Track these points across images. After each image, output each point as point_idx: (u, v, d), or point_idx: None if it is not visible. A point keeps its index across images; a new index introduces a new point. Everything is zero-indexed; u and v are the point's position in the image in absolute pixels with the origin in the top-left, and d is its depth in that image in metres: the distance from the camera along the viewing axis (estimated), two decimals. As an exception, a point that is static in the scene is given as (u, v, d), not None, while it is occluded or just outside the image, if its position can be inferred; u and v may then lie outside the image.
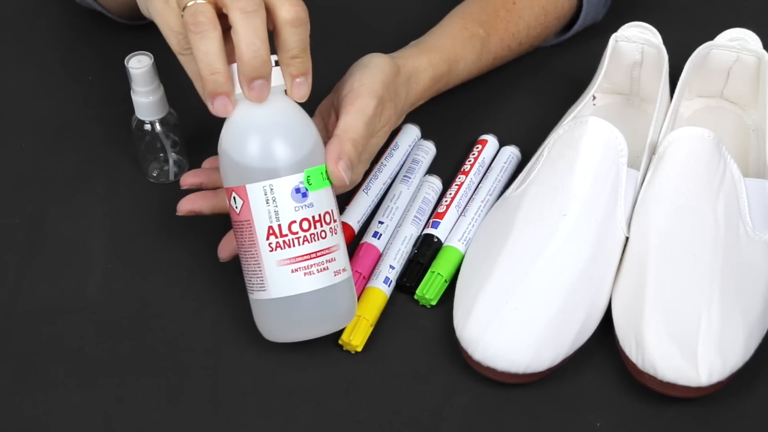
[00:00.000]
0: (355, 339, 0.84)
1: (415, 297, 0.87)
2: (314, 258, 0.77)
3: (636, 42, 0.94)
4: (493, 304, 0.82)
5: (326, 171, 0.77)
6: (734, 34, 0.95)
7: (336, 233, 0.78)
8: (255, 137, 0.76)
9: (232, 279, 0.89)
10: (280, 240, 0.76)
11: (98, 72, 1.04)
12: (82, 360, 0.85)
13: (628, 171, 0.86)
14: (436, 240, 0.89)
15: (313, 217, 0.76)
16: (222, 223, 0.89)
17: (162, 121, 0.90)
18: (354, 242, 0.90)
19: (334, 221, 0.78)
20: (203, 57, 0.74)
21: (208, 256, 0.89)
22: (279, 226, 0.76)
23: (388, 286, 0.87)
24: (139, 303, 0.88)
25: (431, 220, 0.90)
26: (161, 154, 0.93)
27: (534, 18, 0.95)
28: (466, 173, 0.93)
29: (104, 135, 0.98)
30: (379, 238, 0.89)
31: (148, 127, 0.91)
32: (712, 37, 0.95)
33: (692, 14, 1.08)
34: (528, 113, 0.98)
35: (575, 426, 0.81)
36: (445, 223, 0.90)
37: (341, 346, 0.85)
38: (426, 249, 0.89)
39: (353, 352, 0.84)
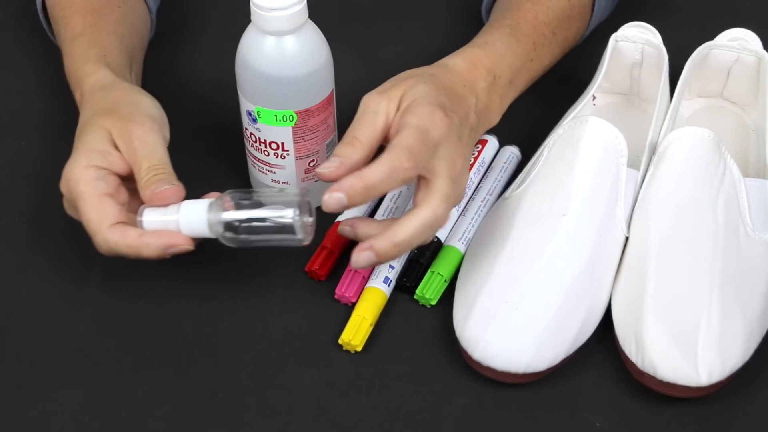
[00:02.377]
0: (355, 339, 0.84)
1: (415, 297, 0.87)
2: (258, 162, 0.91)
3: (636, 42, 0.94)
4: (493, 303, 0.82)
5: (283, 117, 0.86)
6: (734, 34, 0.95)
7: (284, 158, 0.89)
8: (244, 68, 0.86)
9: (233, 279, 0.89)
10: (246, 136, 0.91)
11: (98, 72, 1.04)
12: (82, 360, 0.85)
13: (628, 171, 0.86)
14: (436, 240, 0.89)
15: (260, 137, 0.88)
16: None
17: None
18: (354, 242, 0.90)
19: (285, 151, 0.89)
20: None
21: (208, 256, 0.89)
22: (245, 128, 0.90)
23: (388, 285, 0.87)
24: (139, 303, 0.88)
25: (431, 220, 0.90)
26: None
27: (561, 9, 0.94)
28: (466, 173, 0.93)
29: (104, 135, 0.98)
30: (379, 238, 0.89)
31: None
32: (712, 37, 0.95)
33: (692, 14, 1.08)
34: (528, 113, 0.98)
35: (575, 426, 0.81)
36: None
37: (341, 346, 0.85)
38: (426, 249, 0.89)
39: (353, 352, 0.84)
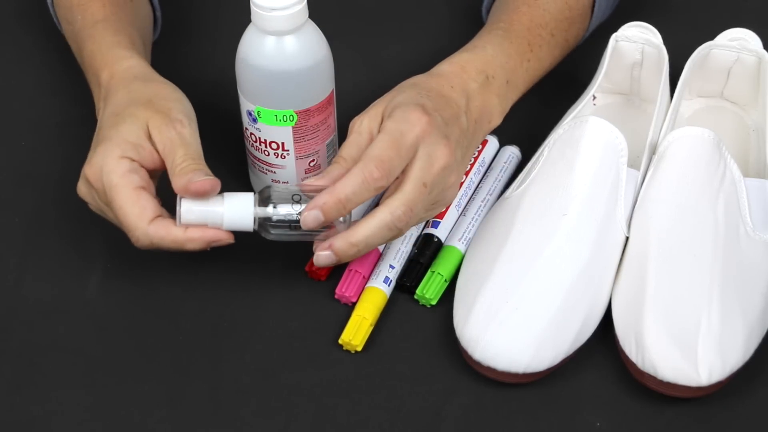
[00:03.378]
0: (355, 339, 0.84)
1: (415, 297, 0.87)
2: (258, 162, 0.91)
3: (636, 42, 0.94)
4: (493, 303, 0.82)
5: (283, 117, 0.86)
6: (734, 34, 0.95)
7: (285, 158, 0.89)
8: (245, 68, 0.86)
9: (233, 279, 0.89)
10: (246, 136, 0.91)
11: (98, 72, 1.04)
12: (82, 360, 0.85)
13: (628, 171, 0.86)
14: (436, 240, 0.89)
15: (260, 137, 0.88)
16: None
17: None
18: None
19: (285, 151, 0.89)
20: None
21: (208, 256, 0.89)
22: (245, 128, 0.90)
23: (388, 285, 0.87)
24: (139, 303, 0.88)
25: (431, 220, 0.90)
26: None
27: (559, 11, 0.94)
28: (467, 173, 0.93)
29: (104, 135, 0.98)
30: (379, 238, 0.89)
31: None
32: (712, 37, 0.95)
33: (692, 14, 1.08)
34: (528, 113, 0.98)
35: (575, 426, 0.81)
36: (445, 223, 0.90)
37: (341, 346, 0.85)
38: (426, 249, 0.89)
39: (353, 352, 0.84)
